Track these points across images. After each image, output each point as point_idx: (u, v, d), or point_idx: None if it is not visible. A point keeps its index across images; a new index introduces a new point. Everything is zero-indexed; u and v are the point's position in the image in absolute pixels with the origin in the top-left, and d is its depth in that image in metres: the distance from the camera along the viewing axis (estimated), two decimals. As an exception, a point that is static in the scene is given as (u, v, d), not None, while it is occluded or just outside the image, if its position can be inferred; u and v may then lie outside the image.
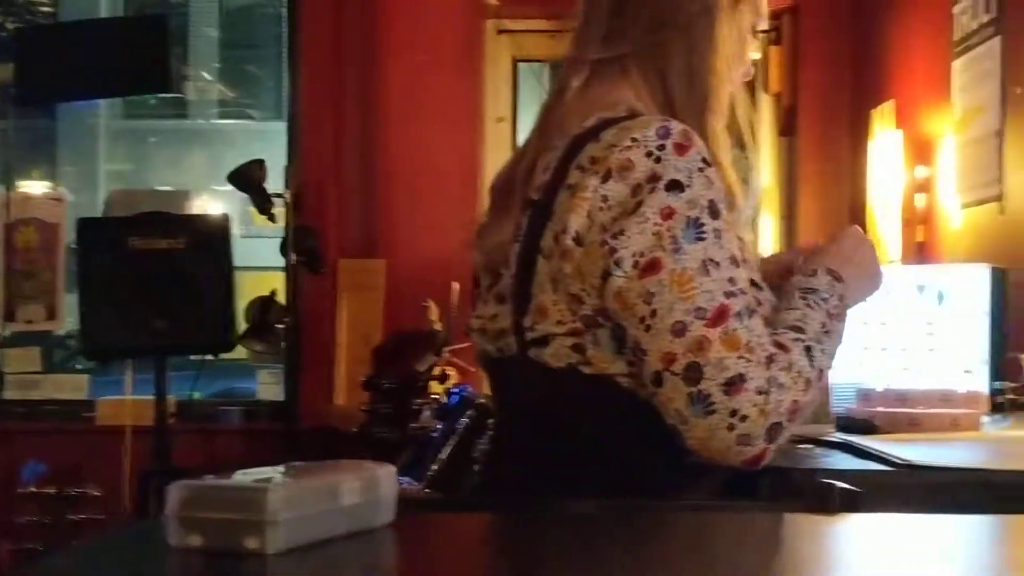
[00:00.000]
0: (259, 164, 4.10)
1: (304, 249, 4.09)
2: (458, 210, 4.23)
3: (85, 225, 4.05)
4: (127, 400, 4.41)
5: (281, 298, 4.24)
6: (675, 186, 1.34)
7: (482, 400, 3.07)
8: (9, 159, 5.37)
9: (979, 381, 2.12)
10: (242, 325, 4.18)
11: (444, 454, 3.07)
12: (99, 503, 4.28)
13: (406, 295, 4.19)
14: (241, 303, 4.15)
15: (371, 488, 1.00)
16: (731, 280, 1.33)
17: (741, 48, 1.55)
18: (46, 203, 4.91)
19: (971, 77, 3.18)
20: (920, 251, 3.51)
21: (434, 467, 3.05)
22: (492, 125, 4.67)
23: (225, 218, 4.16)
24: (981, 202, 3.09)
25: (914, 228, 3.56)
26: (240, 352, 4.43)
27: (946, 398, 1.92)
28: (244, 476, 0.96)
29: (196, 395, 4.72)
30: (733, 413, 1.29)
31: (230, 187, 4.16)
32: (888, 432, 1.78)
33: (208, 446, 4.47)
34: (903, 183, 3.65)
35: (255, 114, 14.34)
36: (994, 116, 3.00)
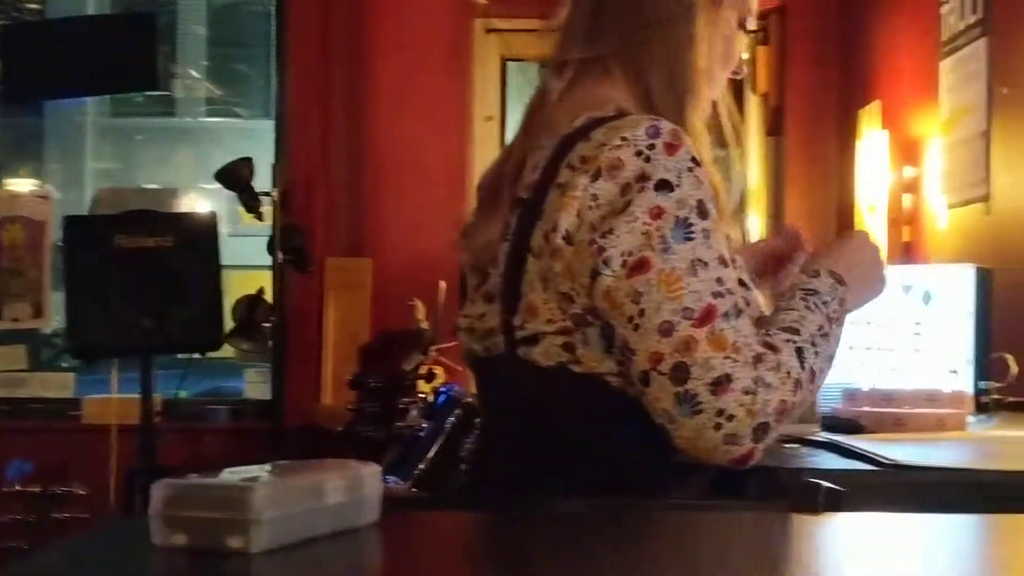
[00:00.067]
0: (247, 162, 4.10)
1: (291, 248, 4.08)
2: (446, 209, 4.23)
3: (72, 223, 4.04)
4: (113, 399, 4.40)
5: (268, 297, 4.23)
6: (664, 186, 1.34)
7: (469, 399, 3.07)
8: (-4, 157, 5.35)
9: (965, 381, 2.12)
10: (229, 324, 4.18)
11: (431, 453, 3.07)
12: (84, 502, 4.27)
13: (393, 294, 4.19)
14: (228, 302, 4.14)
15: (355, 487, 1.00)
16: (719, 280, 1.33)
17: (727, 46, 1.55)
18: (33, 201, 4.89)
19: (958, 78, 3.19)
20: (907, 251, 3.52)
21: (421, 466, 3.05)
22: (480, 124, 4.67)
23: (212, 216, 4.15)
24: (967, 202, 3.10)
25: (900, 228, 3.57)
26: (227, 351, 4.42)
27: (932, 398, 1.92)
28: (229, 475, 0.95)
29: (183, 394, 4.71)
30: (720, 413, 1.29)
31: (218, 185, 4.15)
32: (874, 432, 1.78)
33: (195, 445, 4.46)
34: (890, 183, 3.66)
35: (243, 112, 14.32)
36: (981, 117, 3.01)
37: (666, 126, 1.38)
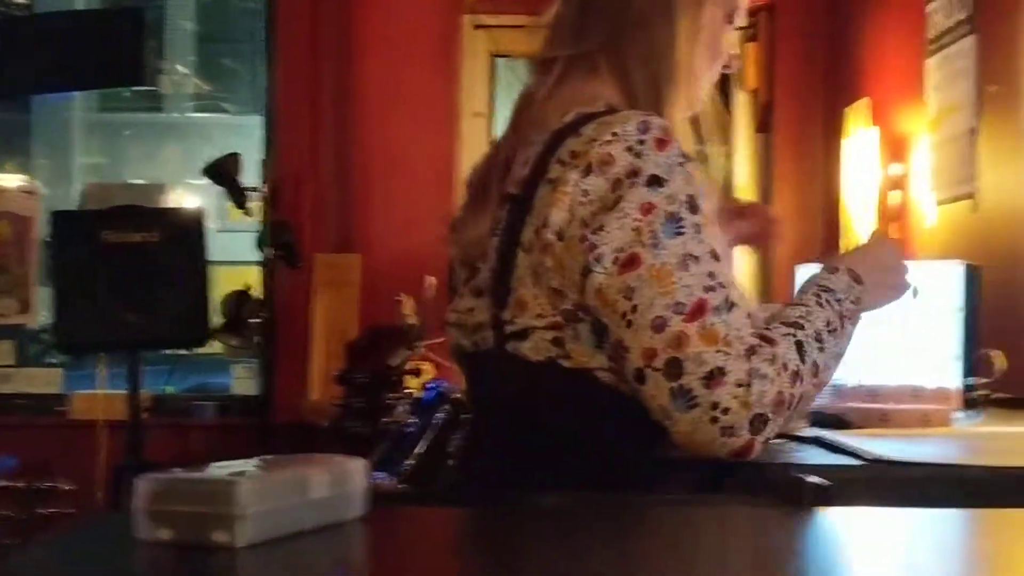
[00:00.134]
0: (235, 158, 4.09)
1: (280, 244, 4.08)
2: (434, 205, 4.22)
3: (59, 218, 4.03)
4: (100, 394, 4.39)
5: (256, 293, 4.22)
6: (655, 181, 1.34)
7: (458, 395, 3.07)
8: (-18, 152, 5.33)
9: (951, 377, 2.13)
10: (217, 319, 4.17)
11: (419, 449, 3.07)
12: (71, 497, 4.26)
13: (382, 290, 4.18)
14: (216, 297, 4.13)
15: (341, 481, 1.00)
16: (710, 274, 1.34)
17: (713, 41, 1.55)
18: (20, 196, 4.88)
19: (945, 75, 3.19)
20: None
21: (409, 462, 3.05)
22: (469, 120, 4.67)
23: (200, 212, 4.14)
24: (955, 199, 3.11)
25: (888, 225, 3.58)
26: (214, 347, 4.41)
27: (917, 394, 1.92)
28: (214, 469, 0.95)
29: (170, 389, 4.71)
30: (714, 406, 1.30)
31: (206, 181, 4.14)
32: (860, 427, 1.78)
33: (182, 441, 4.45)
34: (878, 180, 3.67)
35: (231, 108, 14.28)
36: (968, 114, 3.02)
37: (656, 122, 1.38)
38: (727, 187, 4.30)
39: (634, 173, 1.34)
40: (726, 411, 1.30)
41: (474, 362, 1.50)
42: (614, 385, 1.39)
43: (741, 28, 1.62)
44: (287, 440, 3.97)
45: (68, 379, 4.78)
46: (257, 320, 4.12)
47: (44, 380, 4.75)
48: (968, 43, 3.03)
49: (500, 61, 4.78)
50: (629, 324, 1.32)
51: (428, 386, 3.46)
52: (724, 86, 1.63)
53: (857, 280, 1.47)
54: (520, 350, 1.41)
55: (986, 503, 1.30)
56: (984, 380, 2.18)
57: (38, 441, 4.36)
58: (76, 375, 4.90)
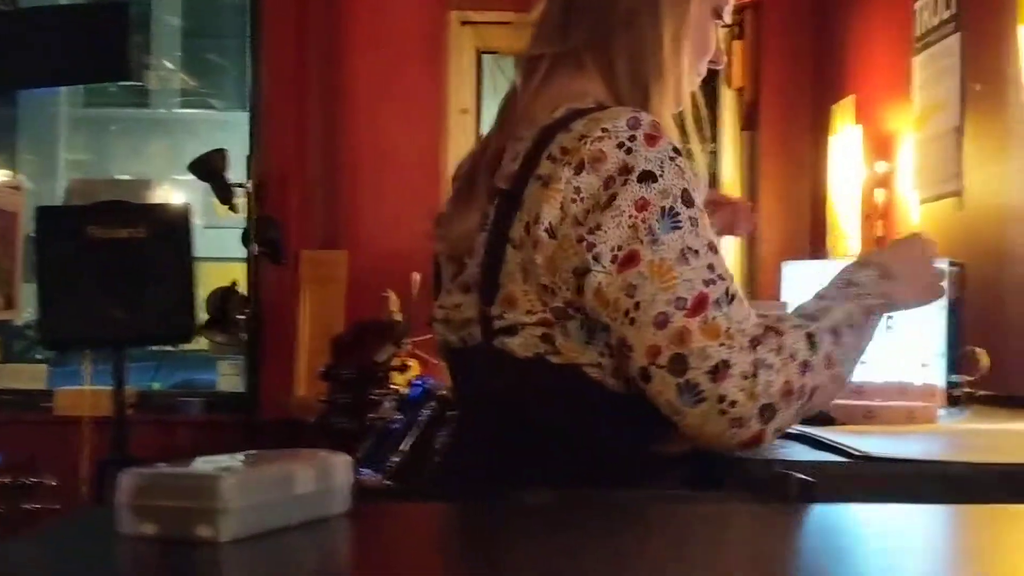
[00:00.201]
0: (221, 154, 4.08)
1: (266, 240, 4.07)
2: (421, 202, 4.21)
3: (44, 214, 4.02)
4: (86, 390, 4.37)
5: (242, 289, 4.22)
6: (648, 177, 1.34)
7: (444, 392, 3.07)
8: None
9: (936, 375, 2.13)
10: (203, 316, 4.16)
11: (405, 446, 3.07)
12: (56, 493, 4.25)
13: (368, 287, 4.17)
14: (202, 294, 4.12)
15: (325, 477, 1.00)
16: (710, 267, 1.34)
17: (700, 37, 1.55)
18: (5, 192, 4.86)
19: (931, 73, 3.20)
20: (879, 245, 3.53)
21: (395, 459, 3.04)
22: (456, 116, 4.66)
23: (186, 208, 4.13)
24: (940, 197, 3.12)
25: (874, 223, 3.59)
26: (200, 343, 4.40)
27: (903, 391, 1.93)
28: (198, 464, 0.95)
29: (156, 386, 4.70)
30: (722, 399, 1.30)
31: (192, 177, 4.13)
32: (845, 424, 1.79)
33: (168, 437, 4.45)
34: (863, 178, 3.68)
35: (217, 104, 14.24)
36: (953, 112, 3.03)
37: (645, 117, 1.38)
38: (712, 184, 4.31)
39: (626, 170, 1.34)
40: (734, 403, 1.30)
41: (461, 358, 1.50)
42: (602, 381, 1.39)
43: (727, 26, 1.62)
44: (273, 436, 3.96)
45: (53, 375, 4.77)
46: (243, 316, 4.11)
47: (29, 376, 4.73)
48: (954, 41, 3.04)
49: (487, 57, 4.78)
50: (632, 321, 1.32)
51: (414, 383, 3.46)
52: (710, 84, 1.63)
53: (887, 275, 1.46)
54: (508, 346, 1.40)
55: (969, 499, 1.30)
56: (968, 378, 2.19)
57: (23, 437, 4.34)
58: (61, 371, 4.88)
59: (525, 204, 1.39)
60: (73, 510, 4.04)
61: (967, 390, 2.19)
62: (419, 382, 3.42)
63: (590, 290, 1.34)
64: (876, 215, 3.58)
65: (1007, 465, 1.45)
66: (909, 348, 2.13)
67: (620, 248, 1.33)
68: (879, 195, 3.58)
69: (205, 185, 4.11)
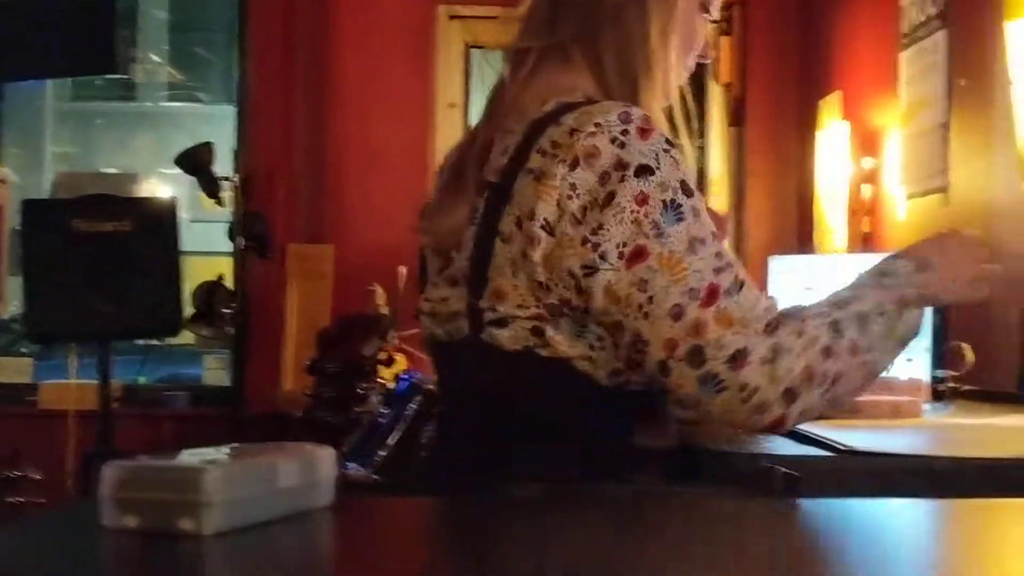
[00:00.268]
0: (207, 147, 4.07)
1: (252, 234, 4.06)
2: (408, 196, 4.17)
3: (30, 207, 4.00)
4: (71, 384, 4.36)
5: (228, 283, 4.21)
6: (644, 171, 1.34)
7: (431, 386, 3.06)
8: (-47, 140, 5.29)
9: (921, 370, 2.14)
10: (189, 310, 4.15)
11: (392, 440, 3.06)
12: (40, 487, 4.23)
13: (355, 281, 4.17)
14: (188, 288, 4.11)
15: (309, 470, 0.99)
16: (718, 255, 1.34)
17: (687, 31, 1.55)
18: (-10, 185, 4.84)
19: (917, 69, 3.21)
20: (866, 241, 3.54)
21: (382, 453, 3.04)
22: (443, 111, 4.66)
23: (172, 201, 4.12)
24: (926, 193, 3.13)
25: (860, 218, 3.60)
26: (186, 337, 4.39)
27: (888, 386, 1.93)
28: (182, 457, 0.95)
29: (142, 380, 4.68)
30: (743, 387, 1.30)
31: (178, 170, 4.12)
32: (830, 418, 1.79)
33: (153, 431, 4.44)
34: (850, 174, 3.69)
35: (204, 97, 14.19)
36: (939, 108, 3.03)
37: (636, 112, 1.38)
38: (699, 180, 4.31)
39: (622, 166, 1.34)
40: (756, 390, 1.30)
41: (448, 351, 1.50)
42: (591, 374, 1.39)
43: (715, 22, 1.61)
44: (260, 430, 3.95)
45: (39, 369, 4.75)
46: (229, 310, 4.10)
47: (14, 369, 4.71)
48: (940, 37, 3.05)
49: (475, 52, 4.77)
50: (647, 316, 1.32)
51: (401, 377, 3.45)
52: (698, 80, 1.63)
53: (923, 267, 1.45)
54: (497, 339, 1.40)
55: (953, 493, 1.31)
56: (953, 373, 2.19)
57: (8, 430, 4.33)
58: (47, 365, 4.86)
59: (515, 198, 1.38)
60: (58, 504, 4.03)
61: (952, 385, 2.20)
62: (406, 376, 3.41)
63: (599, 289, 1.33)
64: (862, 211, 3.58)
65: (991, 460, 1.46)
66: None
67: (625, 244, 1.32)
68: (866, 191, 3.58)
69: (191, 179, 4.10)
